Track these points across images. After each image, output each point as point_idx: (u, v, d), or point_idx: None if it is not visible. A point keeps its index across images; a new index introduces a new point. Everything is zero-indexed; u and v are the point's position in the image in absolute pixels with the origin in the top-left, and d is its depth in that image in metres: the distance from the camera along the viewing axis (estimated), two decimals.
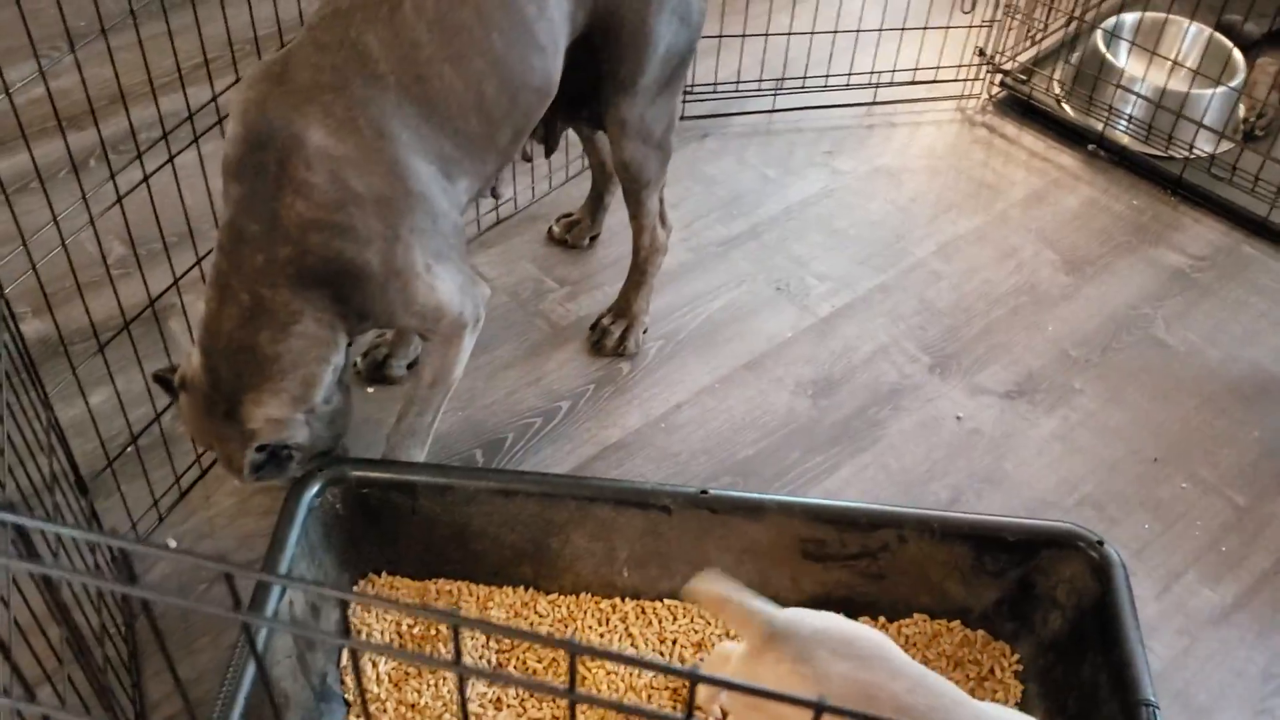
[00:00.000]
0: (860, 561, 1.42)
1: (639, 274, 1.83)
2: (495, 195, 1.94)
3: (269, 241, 1.29)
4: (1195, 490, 1.72)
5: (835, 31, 2.34)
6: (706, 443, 1.75)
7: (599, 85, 1.60)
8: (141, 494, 1.57)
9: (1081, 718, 1.30)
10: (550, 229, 2.05)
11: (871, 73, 2.35)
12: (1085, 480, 1.72)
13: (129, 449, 1.59)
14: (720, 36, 2.32)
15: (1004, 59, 2.38)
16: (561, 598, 1.48)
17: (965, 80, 2.40)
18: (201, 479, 1.64)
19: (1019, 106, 2.38)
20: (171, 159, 1.50)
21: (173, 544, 1.57)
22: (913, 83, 2.37)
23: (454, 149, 1.38)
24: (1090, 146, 2.29)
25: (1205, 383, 1.88)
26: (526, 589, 1.48)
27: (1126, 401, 1.84)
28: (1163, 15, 2.34)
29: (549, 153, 1.77)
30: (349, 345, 1.41)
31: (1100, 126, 2.28)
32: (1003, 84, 2.39)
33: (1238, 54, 2.32)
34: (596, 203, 2.01)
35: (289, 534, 1.28)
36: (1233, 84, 2.26)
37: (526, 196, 2.10)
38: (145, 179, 1.48)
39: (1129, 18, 2.38)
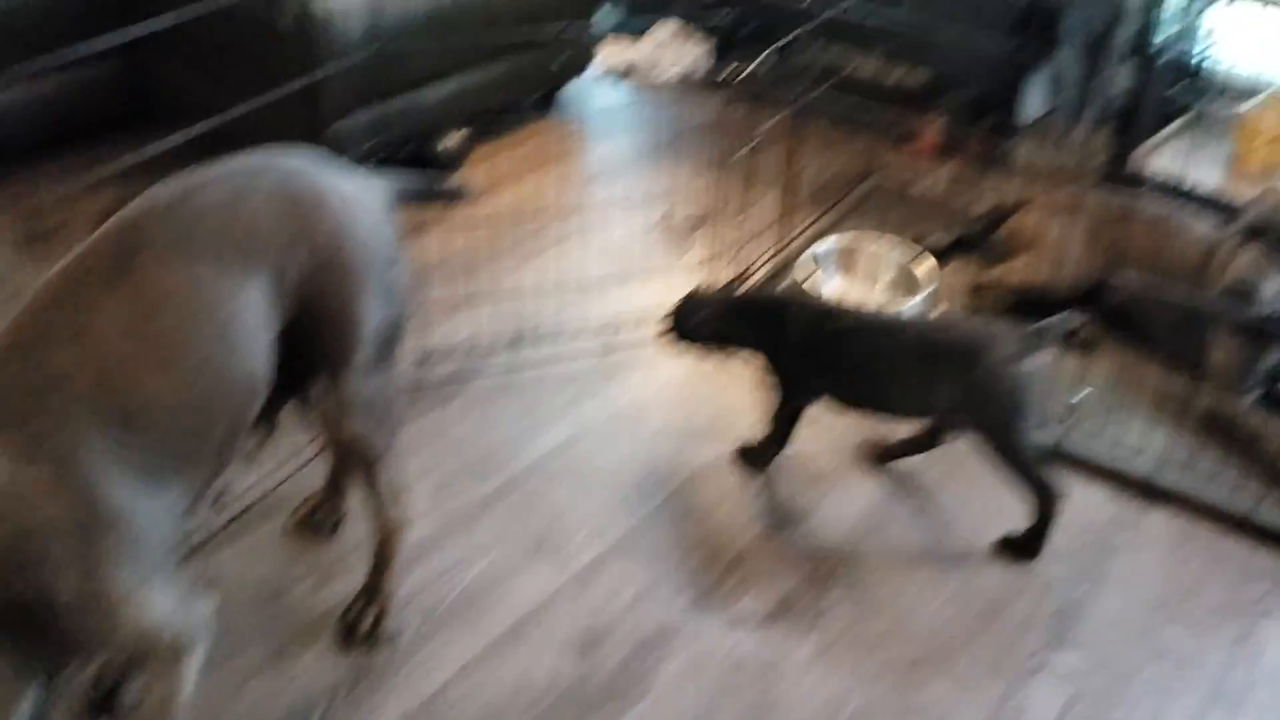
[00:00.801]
0: None
1: (384, 552, 1.79)
2: (222, 494, 1.88)
3: None
4: (956, 688, 1.77)
5: (566, 284, 2.44)
6: None
7: (313, 368, 1.60)
8: None
9: None
10: (290, 518, 1.98)
11: (604, 320, 2.45)
12: (850, 696, 1.75)
13: None
14: (452, 299, 2.37)
15: None
16: None
17: None
18: None
19: None
20: None
21: None
22: (640, 327, 2.47)
23: (162, 457, 1.34)
24: None
25: (950, 576, 1.97)
26: None
27: (879, 608, 1.90)
28: (860, 236, 2.56)
29: (267, 437, 1.73)
30: (54, 683, 1.30)
31: None
32: None
33: (930, 264, 2.55)
34: (335, 485, 1.97)
35: None
36: (926, 293, 2.46)
37: (261, 488, 2.04)
38: None
39: (828, 242, 2.59)
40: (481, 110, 3.00)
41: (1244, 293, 2.25)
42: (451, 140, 2.97)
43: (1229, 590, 1.98)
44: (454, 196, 1.89)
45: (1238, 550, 2.07)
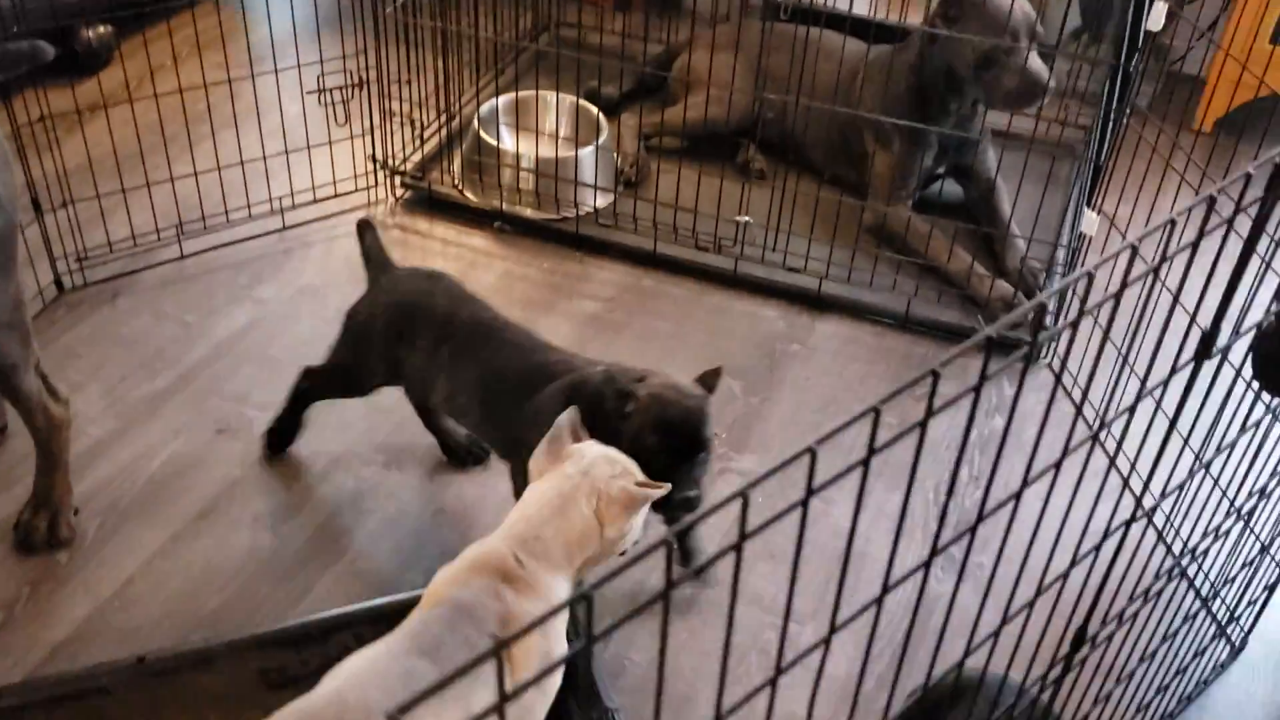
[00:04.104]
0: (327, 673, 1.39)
1: (47, 457, 1.70)
2: None
3: None
4: None
5: (233, 167, 2.33)
6: (168, 606, 1.65)
7: None
8: None
9: None
10: None
11: (273, 199, 2.38)
12: None
13: None
14: (112, 198, 2.23)
15: (397, 162, 2.49)
16: None
17: (369, 188, 2.49)
18: None
19: (426, 202, 2.50)
20: None
21: None
22: (316, 200, 2.41)
23: None
24: (496, 224, 2.45)
25: None
26: None
27: None
28: (531, 93, 2.56)
29: None
30: None
31: (500, 204, 2.44)
32: (403, 184, 2.50)
33: (602, 116, 2.58)
34: None
35: None
36: (601, 141, 2.51)
37: None
38: None
39: (501, 100, 2.57)
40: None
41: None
42: (94, 33, 2.76)
43: (890, 381, 2.15)
44: (36, 57, 1.74)
45: (897, 344, 2.26)
